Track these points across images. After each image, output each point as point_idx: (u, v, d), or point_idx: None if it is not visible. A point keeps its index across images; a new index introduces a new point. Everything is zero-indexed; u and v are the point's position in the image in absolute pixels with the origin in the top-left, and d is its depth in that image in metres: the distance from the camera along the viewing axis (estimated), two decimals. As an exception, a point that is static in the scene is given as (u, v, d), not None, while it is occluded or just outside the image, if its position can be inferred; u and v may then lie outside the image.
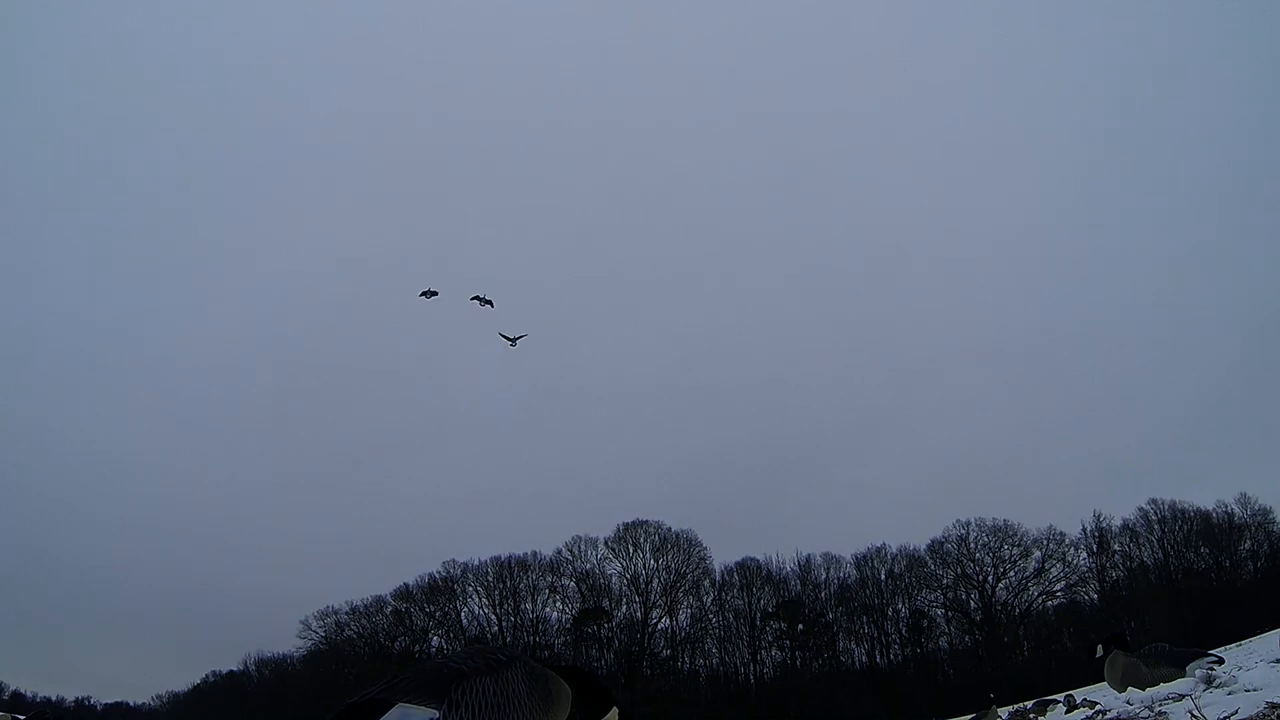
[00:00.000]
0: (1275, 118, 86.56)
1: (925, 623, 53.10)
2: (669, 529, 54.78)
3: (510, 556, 54.56)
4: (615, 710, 3.96)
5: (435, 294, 27.94)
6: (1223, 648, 17.92)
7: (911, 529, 56.34)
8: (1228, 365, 65.54)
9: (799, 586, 54.47)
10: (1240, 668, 9.88)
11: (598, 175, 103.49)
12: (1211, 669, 8.29)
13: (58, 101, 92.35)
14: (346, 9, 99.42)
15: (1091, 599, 50.94)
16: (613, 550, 54.95)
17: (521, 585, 54.43)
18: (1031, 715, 15.37)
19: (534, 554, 54.87)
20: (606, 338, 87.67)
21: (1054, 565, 51.42)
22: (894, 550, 53.54)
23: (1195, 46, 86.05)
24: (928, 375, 78.04)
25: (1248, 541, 48.29)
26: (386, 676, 3.55)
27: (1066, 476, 62.59)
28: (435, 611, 55.48)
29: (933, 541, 53.07)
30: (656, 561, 54.41)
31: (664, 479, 69.64)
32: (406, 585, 55.40)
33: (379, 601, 55.65)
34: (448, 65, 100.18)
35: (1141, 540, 50.40)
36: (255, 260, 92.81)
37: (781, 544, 56.83)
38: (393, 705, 3.38)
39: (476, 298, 27.07)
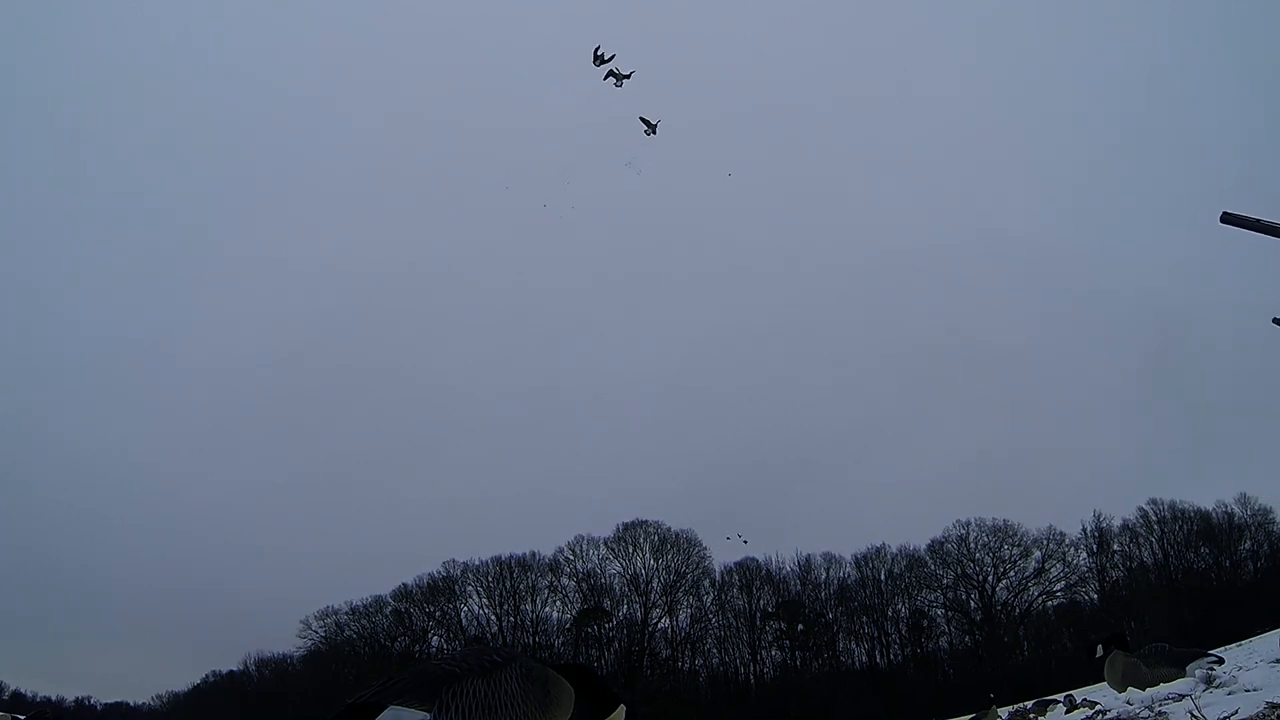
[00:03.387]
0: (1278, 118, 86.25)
1: (925, 623, 53.07)
2: (669, 529, 54.86)
3: (510, 556, 54.49)
4: (621, 708, 3.92)
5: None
6: (1223, 648, 17.86)
7: (911, 529, 56.16)
8: (1228, 365, 65.44)
9: (799, 586, 54.45)
10: (1240, 668, 9.89)
11: (599, 175, 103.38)
12: (1211, 669, 8.30)
13: (58, 102, 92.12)
14: (348, 12, 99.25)
15: (1091, 599, 50.93)
16: (613, 550, 55.00)
17: (522, 585, 54.40)
18: (1031, 715, 15.38)
19: (534, 554, 54.82)
20: (607, 338, 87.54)
21: (1054, 565, 51.41)
22: (894, 550, 53.48)
23: (1197, 47, 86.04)
24: (928, 375, 77.83)
25: (1248, 541, 48.30)
26: (382, 679, 3.55)
27: (1066, 476, 62.42)
28: (435, 612, 55.44)
29: (933, 541, 53.06)
30: (656, 561, 54.49)
31: (664, 479, 69.51)
32: (406, 585, 55.32)
33: (379, 601, 55.57)
34: (447, 67, 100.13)
35: (1141, 540, 50.40)
36: (255, 263, 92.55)
37: (781, 544, 56.69)
38: (385, 708, 3.39)
39: (611, 71, 24.08)
